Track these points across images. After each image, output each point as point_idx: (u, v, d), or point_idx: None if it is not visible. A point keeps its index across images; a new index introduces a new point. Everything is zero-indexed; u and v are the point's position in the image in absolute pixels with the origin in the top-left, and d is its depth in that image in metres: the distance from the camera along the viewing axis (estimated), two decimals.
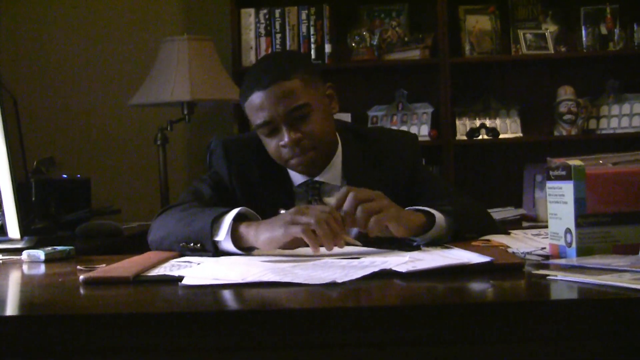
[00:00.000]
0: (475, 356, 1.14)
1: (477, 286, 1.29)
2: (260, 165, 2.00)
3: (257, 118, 1.89)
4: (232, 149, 2.02)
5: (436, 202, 1.82)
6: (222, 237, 1.65)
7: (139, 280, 1.38)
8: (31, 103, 3.94)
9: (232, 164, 2.00)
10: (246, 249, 1.67)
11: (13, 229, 1.98)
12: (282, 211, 1.69)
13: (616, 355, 1.13)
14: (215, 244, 1.66)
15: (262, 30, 3.82)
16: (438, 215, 1.75)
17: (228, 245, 1.65)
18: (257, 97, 1.87)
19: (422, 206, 1.78)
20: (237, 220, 1.66)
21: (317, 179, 1.98)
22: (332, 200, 1.98)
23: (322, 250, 1.60)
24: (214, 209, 1.73)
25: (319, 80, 1.95)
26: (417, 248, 1.68)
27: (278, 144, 1.90)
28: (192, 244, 1.69)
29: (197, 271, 1.43)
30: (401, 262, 1.42)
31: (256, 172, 2.00)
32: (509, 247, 1.62)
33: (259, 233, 1.63)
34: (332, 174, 1.99)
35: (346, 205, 1.63)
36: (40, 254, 1.76)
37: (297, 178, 1.99)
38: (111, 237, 2.82)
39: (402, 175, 2.04)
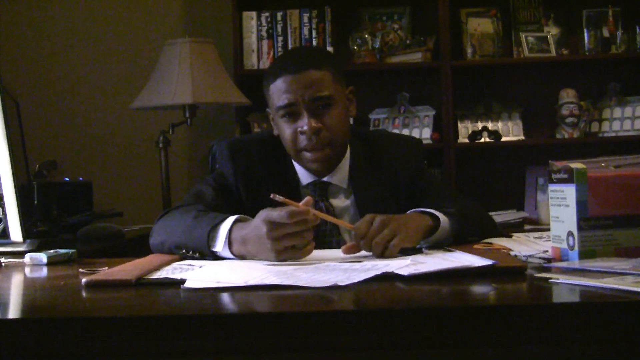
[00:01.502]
0: (477, 359, 1.14)
1: (479, 289, 1.29)
2: (266, 165, 2.00)
3: (280, 100, 1.90)
4: (238, 150, 2.02)
5: (439, 205, 1.82)
6: (220, 248, 1.66)
7: (141, 283, 1.38)
8: (33, 106, 3.94)
9: (237, 165, 2.00)
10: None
11: (15, 232, 1.98)
12: (277, 197, 1.65)
13: (618, 358, 1.13)
14: (214, 253, 1.67)
15: (264, 33, 3.82)
16: (443, 218, 1.76)
17: (227, 254, 1.66)
18: (285, 80, 1.88)
19: (426, 209, 1.79)
20: (232, 233, 1.65)
21: (325, 179, 1.99)
22: (338, 203, 1.98)
23: (323, 253, 1.60)
24: (211, 217, 1.72)
25: (344, 81, 1.97)
26: (419, 251, 1.68)
27: (296, 130, 1.90)
28: (190, 252, 1.69)
29: (199, 274, 1.43)
30: (403, 265, 1.42)
31: (262, 173, 2.00)
32: (511, 250, 1.62)
33: (252, 254, 1.62)
34: (340, 176, 2.00)
35: (363, 245, 1.62)
36: (42, 257, 1.76)
37: (304, 178, 2.00)
38: (113, 240, 2.82)
39: (405, 180, 2.04)
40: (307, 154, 1.92)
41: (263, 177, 1.99)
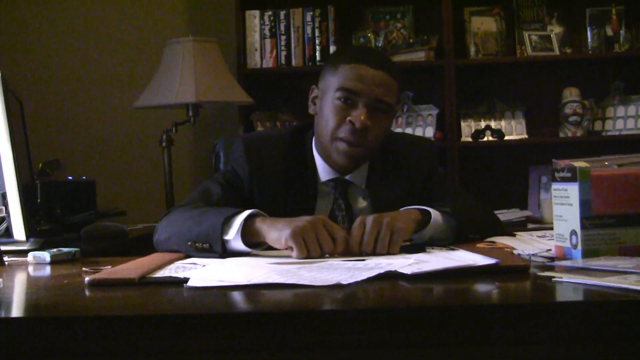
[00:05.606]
0: (481, 358, 1.14)
1: (482, 288, 1.29)
2: (284, 161, 2.00)
3: (348, 82, 1.91)
4: (254, 147, 2.02)
5: (437, 203, 1.83)
6: (232, 235, 1.65)
7: (145, 281, 1.38)
8: (37, 105, 3.95)
9: (253, 162, 2.00)
10: (254, 246, 1.67)
11: (19, 231, 1.98)
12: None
13: (621, 357, 1.13)
14: (223, 244, 1.66)
15: (267, 32, 3.82)
16: (434, 212, 1.76)
17: (237, 244, 1.65)
18: (363, 69, 1.91)
19: (414, 206, 1.81)
20: (248, 220, 1.66)
21: (345, 177, 1.99)
22: (356, 203, 1.99)
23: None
24: (226, 209, 1.73)
25: (399, 99, 2.00)
26: (422, 250, 1.68)
27: (345, 117, 1.91)
28: (199, 244, 1.69)
29: (202, 273, 1.43)
30: (406, 264, 1.42)
31: (280, 169, 1.99)
32: (514, 249, 1.62)
33: (274, 227, 1.63)
34: (360, 176, 2.02)
35: (365, 247, 1.63)
36: (45, 255, 1.76)
37: (324, 174, 2.00)
38: (116, 239, 2.82)
39: (420, 181, 2.06)
40: (343, 145, 1.92)
41: (280, 174, 1.99)
